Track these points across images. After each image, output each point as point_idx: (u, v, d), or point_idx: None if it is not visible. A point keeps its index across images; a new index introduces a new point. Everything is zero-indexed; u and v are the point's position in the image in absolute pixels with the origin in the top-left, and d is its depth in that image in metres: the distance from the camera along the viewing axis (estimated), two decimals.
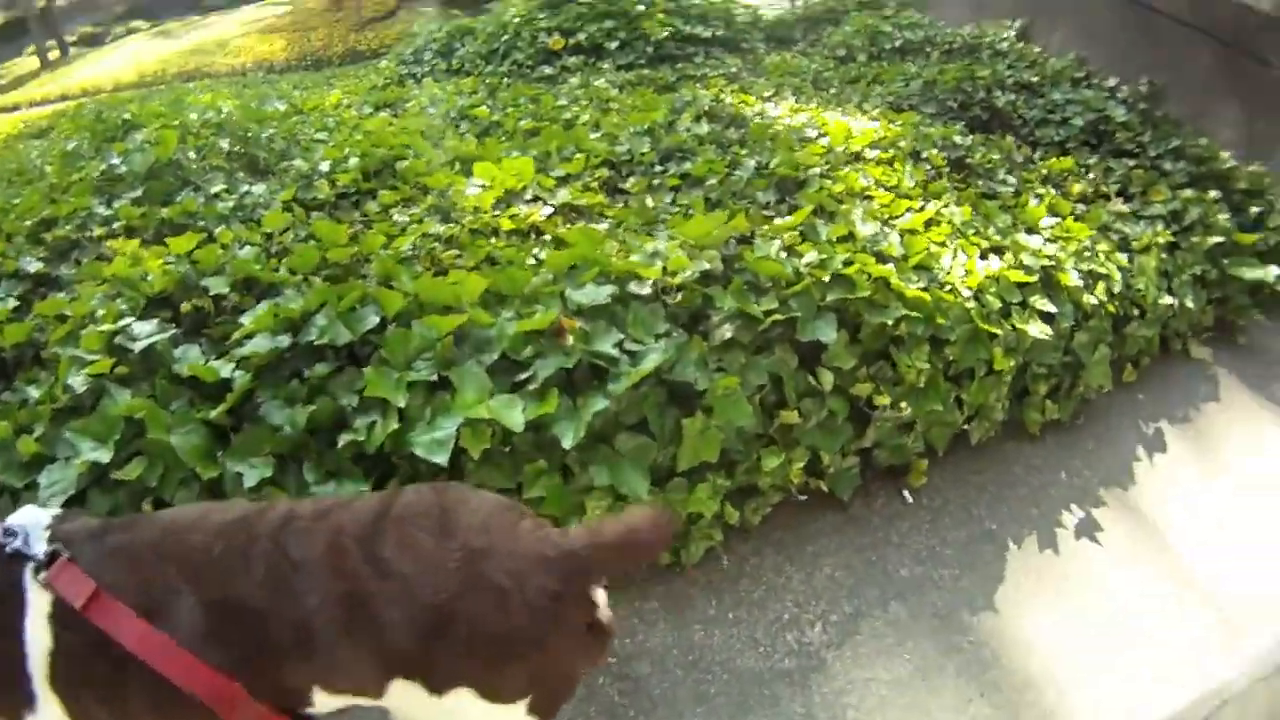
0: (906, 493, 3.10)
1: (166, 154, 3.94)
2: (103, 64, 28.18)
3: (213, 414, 2.40)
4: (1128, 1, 5.85)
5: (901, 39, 7.00)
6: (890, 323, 2.94)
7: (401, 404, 2.36)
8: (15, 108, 21.33)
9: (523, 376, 2.47)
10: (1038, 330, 3.28)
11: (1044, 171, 4.54)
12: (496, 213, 3.45)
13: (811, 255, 3.04)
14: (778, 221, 3.32)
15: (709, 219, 3.02)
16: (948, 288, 3.19)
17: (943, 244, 3.45)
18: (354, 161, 3.98)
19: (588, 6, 7.74)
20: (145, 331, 2.68)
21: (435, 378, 2.45)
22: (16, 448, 2.41)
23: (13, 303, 3.30)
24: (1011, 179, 4.37)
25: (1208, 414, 3.79)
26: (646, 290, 2.77)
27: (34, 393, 2.66)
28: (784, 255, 3.04)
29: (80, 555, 1.51)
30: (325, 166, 3.99)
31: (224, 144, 4.26)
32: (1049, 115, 5.28)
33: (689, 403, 2.60)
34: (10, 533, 1.53)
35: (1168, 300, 3.87)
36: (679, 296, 2.81)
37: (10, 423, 2.48)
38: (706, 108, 4.73)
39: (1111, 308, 3.62)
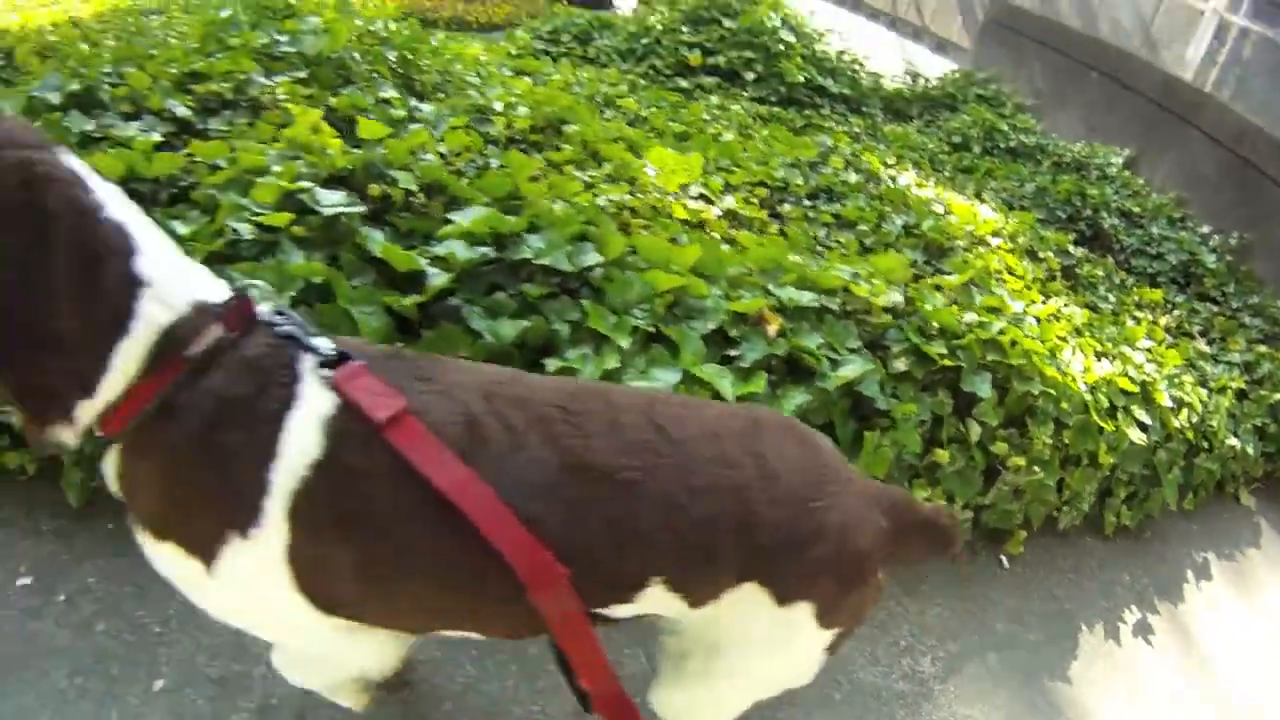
0: (1004, 558, 3.32)
1: (337, 46, 3.98)
2: None
3: (405, 301, 2.40)
4: (1235, 155, 6.28)
5: (1016, 140, 7.45)
6: (1034, 393, 3.17)
7: (624, 344, 2.45)
8: None
9: (731, 353, 2.62)
10: (1136, 436, 3.53)
11: (1137, 298, 4.86)
12: (671, 198, 3.61)
13: (970, 316, 3.26)
14: (943, 279, 3.55)
15: (895, 257, 3.25)
16: (1069, 378, 3.44)
17: (1064, 339, 3.72)
18: (523, 110, 4.08)
19: (730, 32, 8.03)
20: (333, 200, 2.66)
21: (654, 329, 2.57)
22: None
23: (157, 138, 3.28)
24: (1112, 298, 4.69)
25: (1250, 558, 4.09)
26: (834, 305, 2.95)
27: (181, 229, 2.64)
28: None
29: (380, 370, 1.30)
30: (499, 106, 4.08)
31: (391, 56, 4.32)
32: (1145, 247, 5.66)
33: (867, 419, 2.78)
34: (282, 312, 1.35)
35: (1233, 442, 4.18)
36: (869, 320, 3.00)
37: None
38: (849, 156, 4.97)
39: (1190, 435, 3.90)
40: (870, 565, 1.48)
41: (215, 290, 1.31)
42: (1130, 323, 4.39)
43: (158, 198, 3.03)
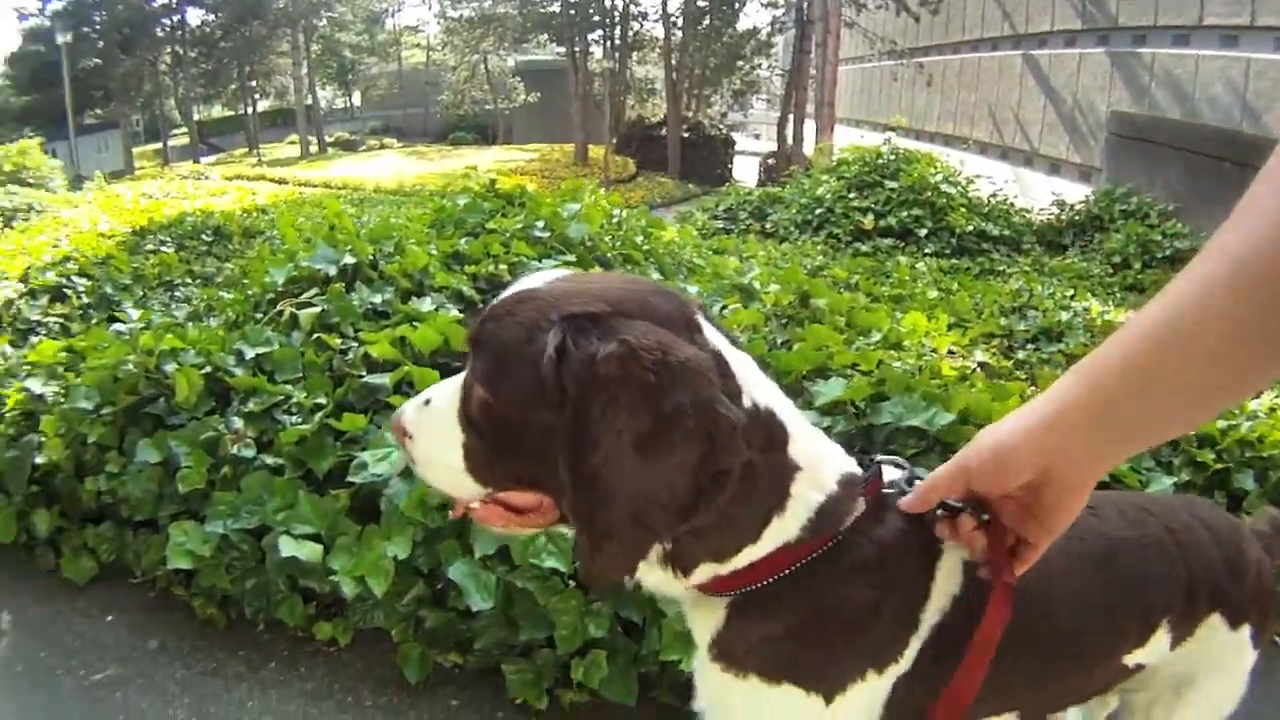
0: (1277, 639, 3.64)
1: (595, 229, 4.52)
2: (359, 166, 35.52)
3: None
4: None
5: (1171, 248, 7.80)
6: None
7: None
8: (283, 182, 27.61)
9: None
10: None
11: None
12: (936, 356, 4.05)
13: (1221, 422, 3.65)
14: None
15: None
16: None
17: None
18: (774, 287, 4.51)
19: (894, 192, 8.59)
20: None
21: None
22: None
23: (456, 313, 3.75)
24: None
25: None
26: None
27: None
28: None
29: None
30: (756, 284, 4.54)
31: (639, 239, 4.84)
32: None
33: None
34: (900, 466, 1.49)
35: None
36: None
37: None
38: (1046, 297, 5.41)
39: None
40: (1275, 596, 1.85)
41: (844, 459, 1.44)
42: None
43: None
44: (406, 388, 3.21)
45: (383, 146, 45.01)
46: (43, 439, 3.64)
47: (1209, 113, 11.90)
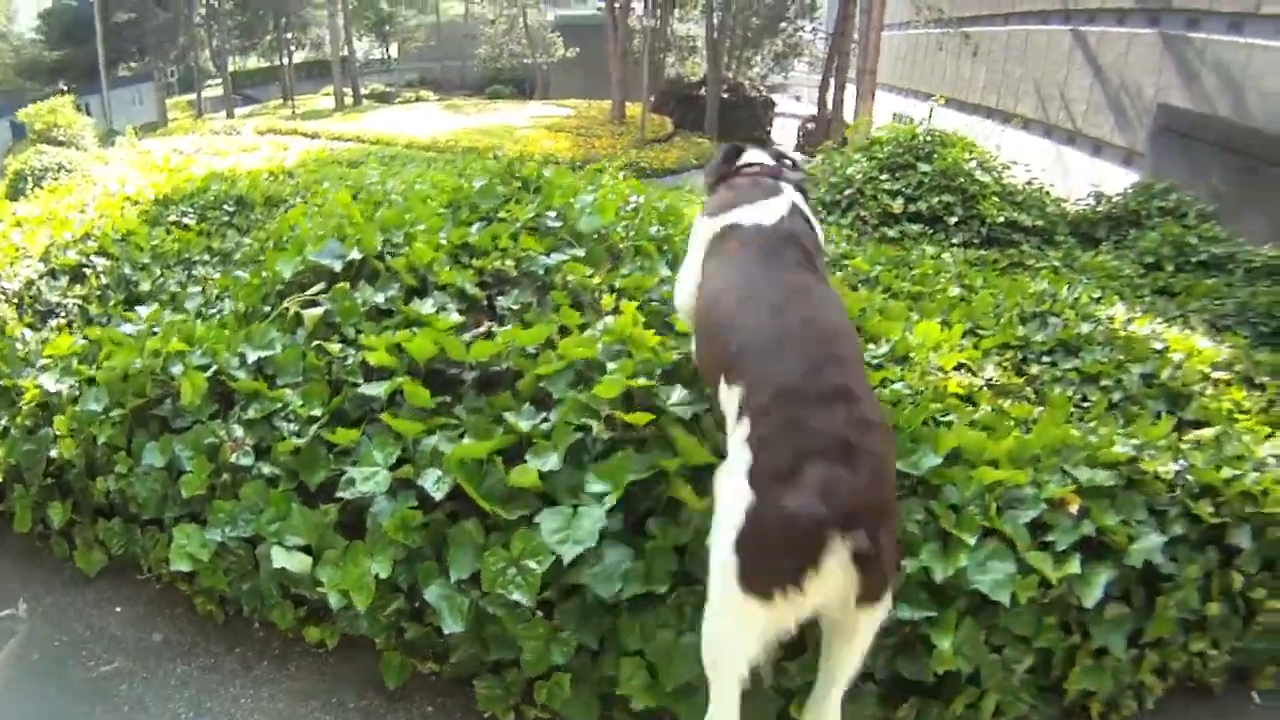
0: (1255, 693, 3.54)
1: (607, 220, 4.55)
2: (394, 119, 35.29)
3: None
4: None
5: (1206, 253, 7.78)
6: None
7: (970, 541, 2.89)
8: (316, 136, 27.43)
9: (1047, 539, 3.03)
10: None
11: None
12: (943, 374, 4.03)
13: (1226, 471, 3.56)
14: (1199, 433, 3.92)
15: (1165, 422, 3.67)
16: None
17: None
18: None
19: (927, 176, 8.61)
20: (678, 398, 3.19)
21: (984, 525, 2.98)
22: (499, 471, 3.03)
23: (456, 318, 3.81)
24: None
25: None
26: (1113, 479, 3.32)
27: (523, 425, 3.14)
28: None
29: None
30: None
31: (653, 230, 4.77)
32: None
33: (1153, 584, 3.17)
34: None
35: None
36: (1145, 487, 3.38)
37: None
38: (1071, 304, 5.39)
39: None
40: None
41: None
42: None
43: (461, 380, 3.57)
44: (400, 398, 3.40)
45: (418, 99, 45.51)
46: (57, 434, 3.85)
47: (1260, 107, 11.77)
